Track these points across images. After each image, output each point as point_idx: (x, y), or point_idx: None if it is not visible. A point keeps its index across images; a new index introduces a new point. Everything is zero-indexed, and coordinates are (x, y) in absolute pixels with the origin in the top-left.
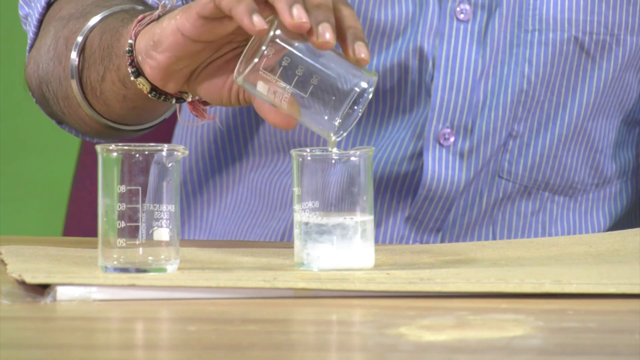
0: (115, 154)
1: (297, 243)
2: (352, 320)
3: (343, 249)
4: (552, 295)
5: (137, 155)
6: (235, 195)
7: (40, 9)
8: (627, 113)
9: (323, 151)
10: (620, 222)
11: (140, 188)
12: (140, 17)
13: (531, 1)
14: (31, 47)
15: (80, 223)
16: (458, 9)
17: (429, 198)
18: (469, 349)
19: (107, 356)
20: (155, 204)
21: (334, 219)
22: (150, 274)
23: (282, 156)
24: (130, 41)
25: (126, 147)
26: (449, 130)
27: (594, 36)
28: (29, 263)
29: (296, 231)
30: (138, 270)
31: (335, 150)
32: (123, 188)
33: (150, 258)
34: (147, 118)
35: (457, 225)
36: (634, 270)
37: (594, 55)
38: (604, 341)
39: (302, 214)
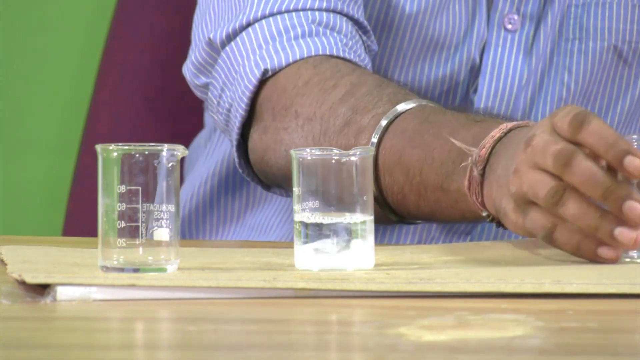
0: (115, 153)
1: (297, 242)
2: (352, 320)
3: (343, 248)
4: (552, 295)
5: (137, 155)
6: (267, 195)
7: (252, 88)
8: None
9: (323, 151)
10: None
11: (140, 188)
12: (470, 177)
13: (572, 10)
14: (242, 124)
15: (80, 223)
16: (506, 19)
17: None
18: (469, 349)
19: (107, 356)
20: (155, 204)
21: (334, 219)
22: (150, 274)
23: None
24: (485, 213)
25: (126, 147)
26: None
27: (633, 45)
28: (29, 263)
29: (296, 231)
30: (138, 270)
31: (335, 150)
32: (123, 188)
33: (150, 258)
34: None
35: (487, 230)
36: (634, 270)
37: (632, 64)
38: (604, 341)
39: (302, 214)
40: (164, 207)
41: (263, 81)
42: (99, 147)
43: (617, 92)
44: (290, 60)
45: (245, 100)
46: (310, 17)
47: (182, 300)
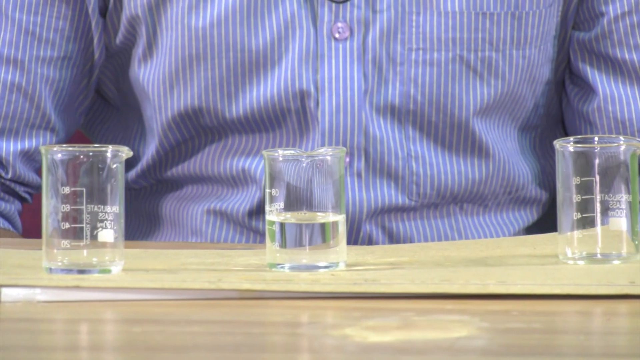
0: (59, 155)
1: (269, 244)
2: (297, 321)
3: (315, 248)
4: (497, 296)
5: (82, 157)
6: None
7: None
8: (522, 121)
9: (295, 152)
10: (537, 225)
11: (84, 189)
12: None
13: (414, 17)
14: None
15: (23, 224)
16: (334, 28)
17: None
18: (414, 349)
19: (52, 357)
20: (99, 205)
21: (306, 219)
22: (95, 275)
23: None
24: None
25: (70, 149)
26: None
27: (479, 53)
28: None
29: (268, 232)
30: (82, 272)
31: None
32: (67, 189)
33: (94, 259)
34: None
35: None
36: (579, 271)
37: (482, 72)
38: (549, 342)
39: (274, 215)
40: (108, 209)
41: None
42: (42, 149)
43: (467, 98)
44: None
45: None
46: None
47: (126, 301)
